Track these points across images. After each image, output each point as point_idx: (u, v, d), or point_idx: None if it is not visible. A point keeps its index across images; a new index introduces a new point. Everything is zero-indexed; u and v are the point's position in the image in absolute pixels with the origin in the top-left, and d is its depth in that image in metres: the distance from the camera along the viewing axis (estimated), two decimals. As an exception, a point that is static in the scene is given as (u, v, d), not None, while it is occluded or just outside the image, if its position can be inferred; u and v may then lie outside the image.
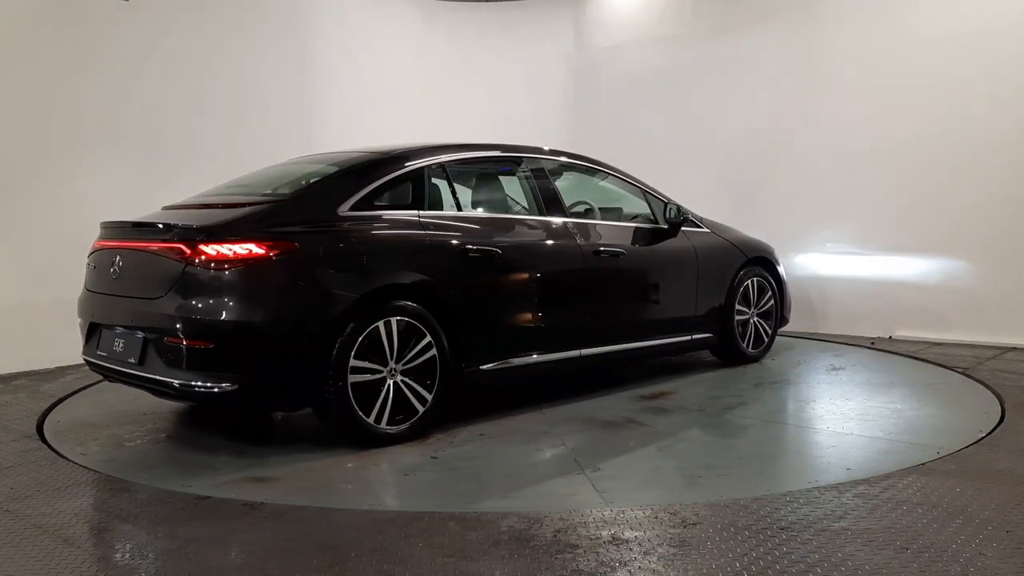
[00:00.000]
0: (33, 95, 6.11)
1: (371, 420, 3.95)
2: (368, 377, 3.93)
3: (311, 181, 4.29)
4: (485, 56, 8.85)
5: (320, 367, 3.80)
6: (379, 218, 4.17)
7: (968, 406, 4.61)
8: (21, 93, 6.05)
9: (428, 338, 4.12)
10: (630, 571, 2.60)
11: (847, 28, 7.06)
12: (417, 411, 4.11)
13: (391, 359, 4.01)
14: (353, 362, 3.87)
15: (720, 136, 7.83)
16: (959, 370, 5.49)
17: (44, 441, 4.29)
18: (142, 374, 3.97)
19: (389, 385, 4.01)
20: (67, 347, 5.88)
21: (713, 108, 7.89)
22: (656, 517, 3.04)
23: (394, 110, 8.21)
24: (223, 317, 3.68)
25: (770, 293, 6.01)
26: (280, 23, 7.52)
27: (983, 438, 3.98)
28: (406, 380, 4.07)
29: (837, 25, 7.12)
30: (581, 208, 5.48)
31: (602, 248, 4.96)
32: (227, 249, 3.71)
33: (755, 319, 5.91)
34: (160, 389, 3.97)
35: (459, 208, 4.54)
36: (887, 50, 6.81)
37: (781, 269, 6.17)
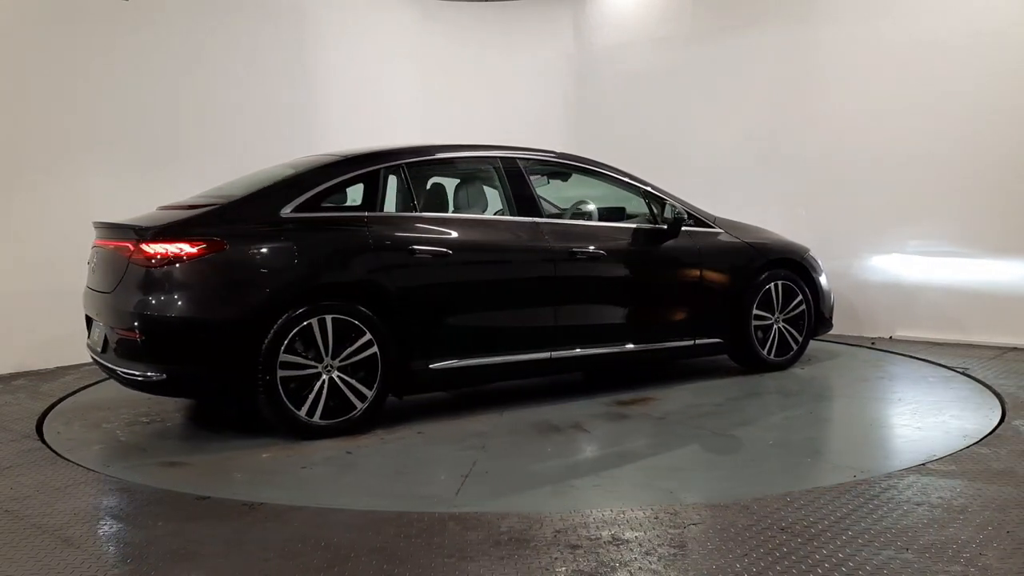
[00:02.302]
0: (33, 95, 6.10)
1: (303, 413, 4.10)
2: (299, 372, 4.08)
3: (263, 184, 4.45)
4: (485, 56, 8.84)
5: (248, 361, 3.99)
6: (321, 219, 4.33)
7: (951, 430, 4.14)
8: (20, 93, 6.05)
9: (368, 336, 4.20)
10: (630, 571, 2.60)
11: (846, 28, 7.04)
12: (355, 406, 4.22)
13: (326, 355, 4.14)
14: (283, 357, 4.03)
15: (720, 136, 7.82)
16: (959, 370, 5.49)
17: (44, 441, 4.30)
18: (104, 362, 4.34)
19: (324, 380, 4.14)
20: (66, 347, 5.93)
21: (713, 108, 7.88)
22: (656, 517, 3.04)
23: (394, 110, 8.20)
24: (153, 311, 3.97)
25: (800, 297, 5.66)
26: (280, 23, 7.51)
27: (983, 438, 3.98)
28: (343, 376, 4.18)
29: (836, 25, 7.11)
30: (583, 208, 5.44)
31: (577, 249, 4.84)
32: (162, 248, 3.99)
33: (780, 325, 5.59)
34: (114, 376, 4.29)
35: (417, 209, 4.61)
36: (886, 50, 6.80)
37: (819, 274, 5.80)
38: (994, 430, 4.11)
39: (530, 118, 8.55)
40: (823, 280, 5.86)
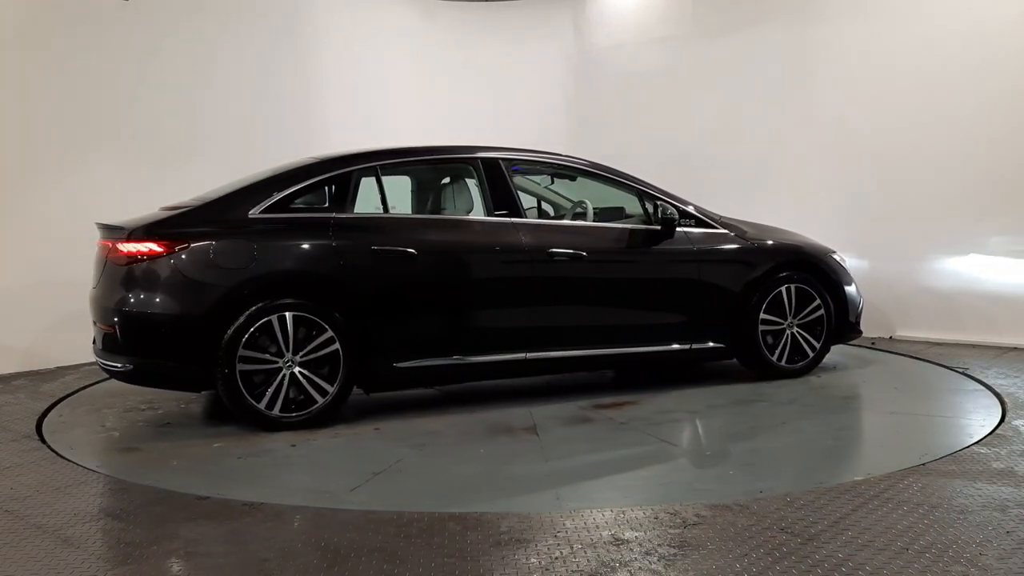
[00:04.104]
0: (34, 96, 6.10)
1: (263, 406, 4.24)
2: (260, 367, 4.23)
3: (237, 187, 4.60)
4: (485, 56, 8.83)
5: (207, 354, 4.17)
6: (287, 221, 4.47)
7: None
8: (23, 93, 6.05)
9: (329, 333, 4.31)
10: (630, 571, 2.60)
11: (847, 27, 7.04)
12: (315, 401, 4.33)
13: (287, 351, 4.26)
14: (242, 352, 4.19)
15: (719, 135, 7.81)
16: (959, 370, 5.49)
17: (44, 441, 4.30)
18: (95, 355, 4.60)
19: (285, 375, 4.27)
20: (67, 347, 5.93)
21: (713, 108, 7.87)
22: (656, 518, 3.04)
23: (394, 110, 8.18)
24: (119, 305, 4.25)
25: (817, 302, 5.33)
26: (280, 23, 7.50)
27: (983, 438, 3.98)
28: (304, 372, 4.30)
29: (837, 24, 7.11)
30: (579, 208, 5.41)
31: (555, 250, 4.74)
32: (133, 247, 4.24)
33: (794, 330, 5.30)
34: (100, 367, 4.59)
35: (387, 211, 4.70)
36: (887, 49, 6.80)
37: (842, 277, 5.47)
38: (994, 430, 4.11)
39: (530, 118, 8.54)
40: (849, 283, 5.52)
